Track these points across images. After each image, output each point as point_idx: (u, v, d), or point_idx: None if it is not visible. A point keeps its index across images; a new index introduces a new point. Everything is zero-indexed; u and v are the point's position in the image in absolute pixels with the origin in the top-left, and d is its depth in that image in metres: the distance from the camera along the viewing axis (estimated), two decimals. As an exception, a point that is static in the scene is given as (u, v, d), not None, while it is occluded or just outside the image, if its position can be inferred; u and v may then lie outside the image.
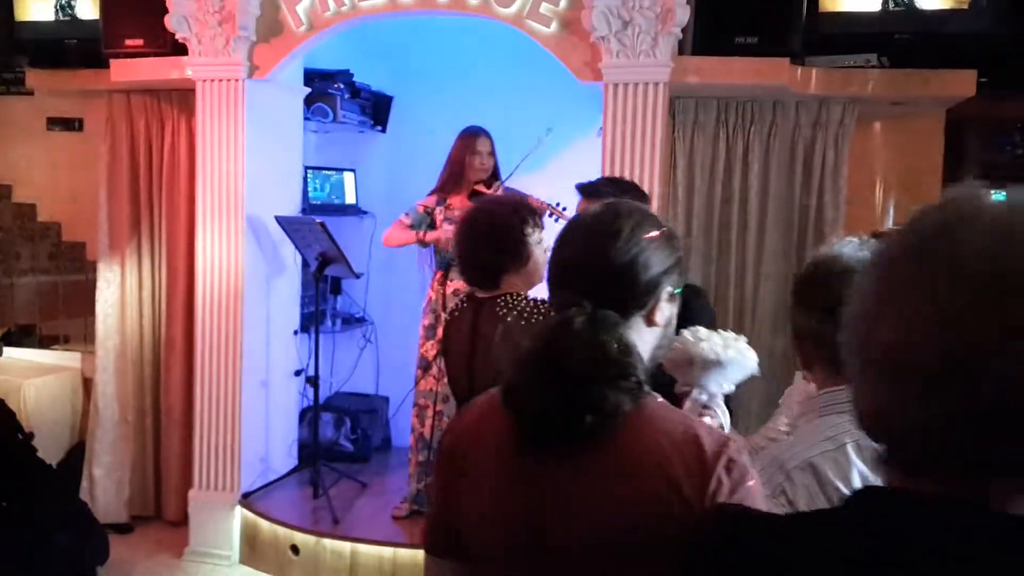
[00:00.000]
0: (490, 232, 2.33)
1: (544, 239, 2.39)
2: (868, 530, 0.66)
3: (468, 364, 2.35)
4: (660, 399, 1.18)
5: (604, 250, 1.20)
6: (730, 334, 1.78)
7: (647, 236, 1.22)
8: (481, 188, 3.99)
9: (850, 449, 1.26)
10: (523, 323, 2.29)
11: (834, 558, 0.67)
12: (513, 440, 1.17)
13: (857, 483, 1.22)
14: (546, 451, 1.14)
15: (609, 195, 2.50)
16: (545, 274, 2.25)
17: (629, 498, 1.10)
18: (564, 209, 3.71)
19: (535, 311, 2.30)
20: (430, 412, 3.81)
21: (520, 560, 1.17)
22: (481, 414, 1.29)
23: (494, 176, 4.05)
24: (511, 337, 2.22)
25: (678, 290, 1.27)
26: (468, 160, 3.99)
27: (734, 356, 1.72)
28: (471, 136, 4.01)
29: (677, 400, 1.76)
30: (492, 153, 4.04)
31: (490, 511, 1.20)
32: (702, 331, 1.77)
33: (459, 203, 4.01)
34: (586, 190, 2.58)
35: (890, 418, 0.66)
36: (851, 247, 1.38)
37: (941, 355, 0.60)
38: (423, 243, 4.02)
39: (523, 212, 2.38)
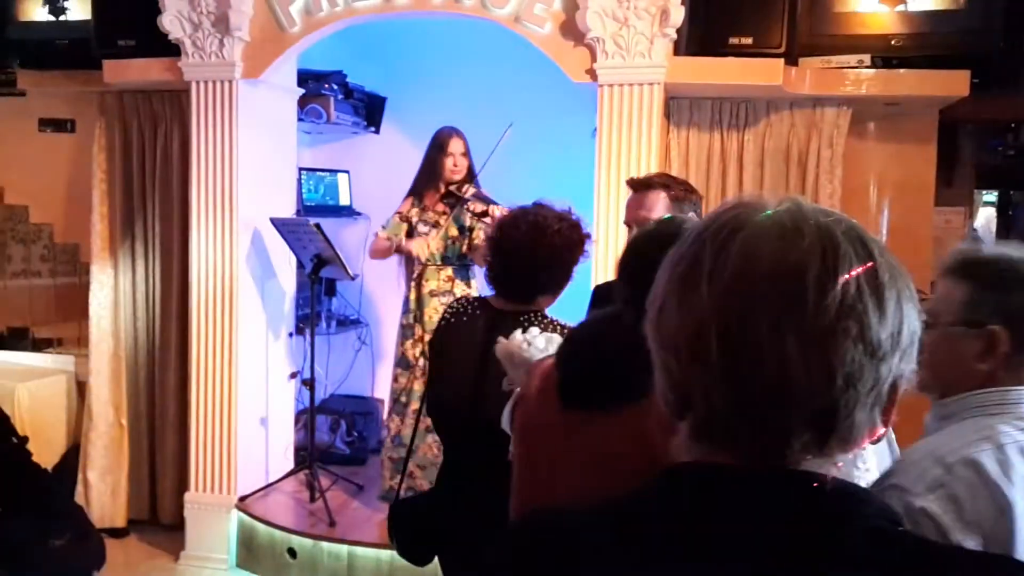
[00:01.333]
0: (552, 251, 2.17)
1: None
2: (681, 505, 0.73)
3: (476, 379, 2.16)
4: None
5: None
6: (556, 335, 1.81)
7: None
8: (454, 189, 4.02)
9: (1011, 451, 1.28)
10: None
11: (648, 539, 0.74)
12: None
13: (1019, 484, 1.24)
14: (574, 407, 1.49)
15: (659, 187, 2.50)
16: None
17: (615, 460, 1.31)
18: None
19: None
20: (410, 411, 3.83)
21: None
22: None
23: (469, 175, 4.06)
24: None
25: None
26: (442, 161, 4.02)
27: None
28: (444, 137, 4.05)
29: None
30: (466, 154, 4.06)
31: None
32: (532, 332, 1.83)
33: (433, 204, 4.05)
34: (635, 184, 2.56)
35: (690, 398, 0.73)
36: None
37: (717, 342, 0.69)
38: (399, 251, 4.07)
39: (580, 238, 2.24)
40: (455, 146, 4.04)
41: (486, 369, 2.10)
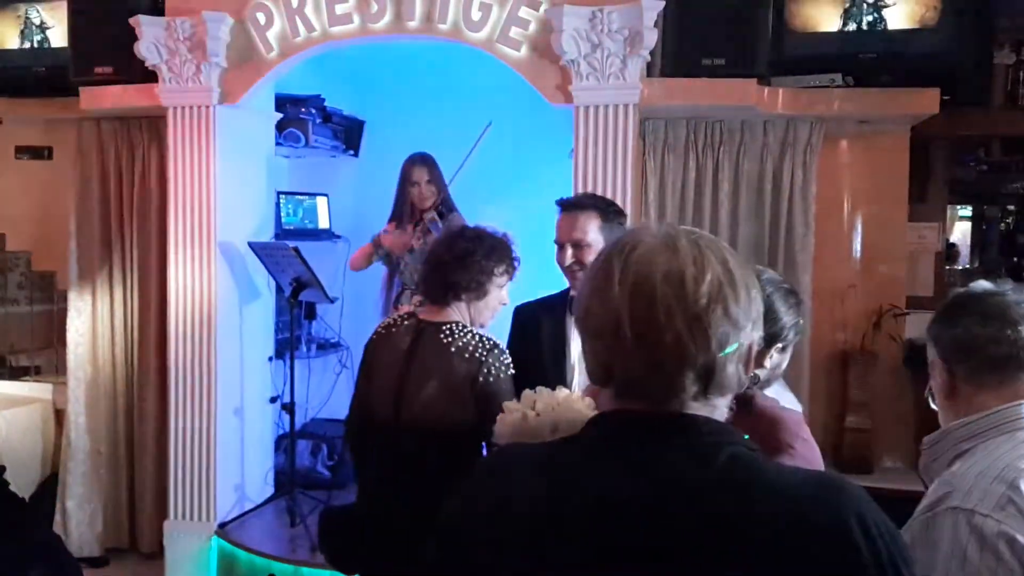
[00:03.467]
0: (463, 255, 2.42)
1: (506, 287, 2.52)
2: (604, 438, 1.01)
3: (398, 385, 2.40)
4: None
5: None
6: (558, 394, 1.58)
7: None
8: (425, 215, 4.06)
9: None
10: (466, 356, 2.35)
11: (571, 461, 1.02)
12: None
13: None
14: None
15: (590, 207, 2.57)
16: (490, 319, 2.44)
17: None
18: None
19: (478, 347, 2.35)
20: None
21: None
22: None
23: (442, 200, 4.08)
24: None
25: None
26: (407, 190, 4.11)
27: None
28: (407, 167, 4.16)
29: None
30: (432, 180, 4.10)
31: None
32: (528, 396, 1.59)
33: (409, 231, 4.11)
34: (566, 204, 2.63)
35: (611, 366, 1.00)
36: None
37: (631, 328, 0.96)
38: (378, 247, 4.15)
39: (503, 254, 2.48)
40: (418, 175, 4.12)
41: (408, 373, 2.39)
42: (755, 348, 1.02)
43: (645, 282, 0.96)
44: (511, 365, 2.38)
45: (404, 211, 4.16)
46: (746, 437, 1.02)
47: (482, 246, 2.45)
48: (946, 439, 1.47)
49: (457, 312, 2.44)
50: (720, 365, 0.97)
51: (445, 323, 2.41)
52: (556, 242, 2.61)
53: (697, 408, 0.99)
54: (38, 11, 4.41)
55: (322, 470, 4.50)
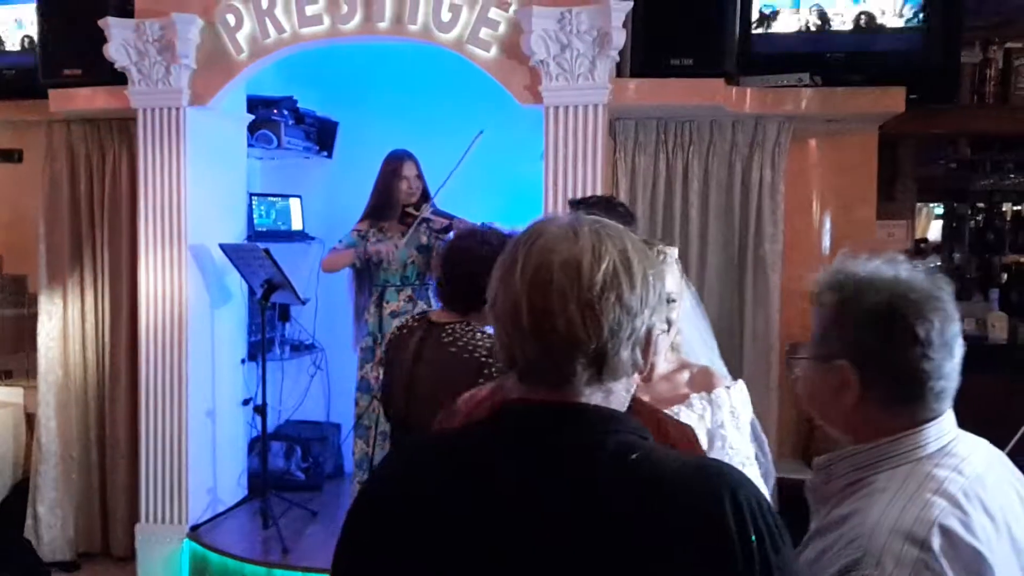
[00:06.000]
0: (487, 264, 2.35)
1: None
2: (504, 430, 1.03)
3: (407, 384, 2.43)
4: None
5: None
6: None
7: None
8: (411, 210, 4.05)
9: (962, 500, 1.20)
10: (465, 356, 2.34)
11: (467, 449, 1.05)
12: None
13: (982, 536, 1.18)
14: None
15: (599, 211, 2.57)
16: None
17: None
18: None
19: (479, 347, 2.35)
20: (372, 433, 3.81)
21: None
22: None
23: (424, 197, 4.08)
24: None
25: None
26: (396, 185, 4.06)
27: None
28: (396, 161, 4.08)
29: None
30: (420, 176, 4.10)
31: None
32: None
33: (392, 227, 4.07)
34: (577, 205, 2.66)
35: (512, 352, 1.03)
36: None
37: (528, 314, 0.99)
38: (365, 257, 4.03)
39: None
40: (408, 169, 4.08)
41: (415, 372, 2.42)
42: (655, 333, 1.04)
43: (543, 269, 0.99)
44: None
45: (387, 206, 4.10)
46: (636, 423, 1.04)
47: (495, 251, 2.42)
48: (841, 464, 1.31)
49: (474, 317, 2.42)
50: (612, 350, 0.99)
51: (449, 323, 2.43)
52: None
53: (590, 393, 1.01)
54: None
55: (296, 472, 4.50)
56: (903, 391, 1.27)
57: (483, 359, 2.34)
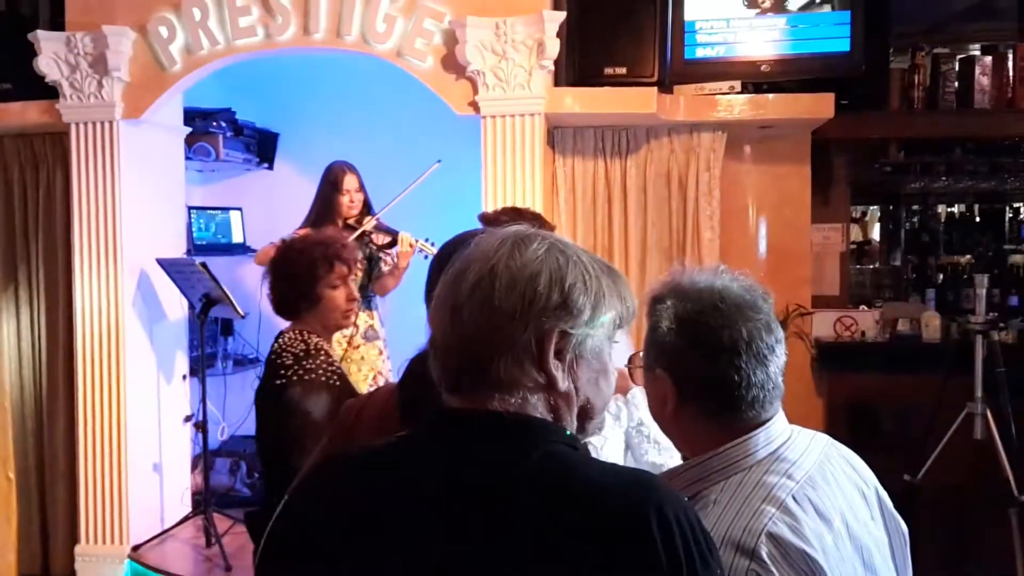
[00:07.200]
0: (285, 267, 2.49)
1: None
2: (428, 440, 1.02)
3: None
4: None
5: None
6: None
7: None
8: (353, 223, 4.01)
9: (791, 504, 1.19)
10: (276, 360, 2.37)
11: (392, 458, 1.03)
12: None
13: (813, 539, 1.17)
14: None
15: (510, 222, 2.56)
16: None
17: None
18: (433, 244, 3.74)
19: (284, 351, 2.37)
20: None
21: None
22: None
23: (366, 209, 4.06)
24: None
25: None
26: (337, 199, 3.99)
27: None
28: (337, 174, 4.02)
29: None
30: (361, 188, 4.05)
31: None
32: None
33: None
34: (487, 219, 2.59)
35: (437, 358, 1.03)
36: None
37: (451, 319, 1.00)
38: None
39: (330, 251, 2.48)
40: (349, 182, 4.02)
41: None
42: (552, 341, 1.00)
43: (462, 280, 1.00)
44: None
45: (327, 219, 4.03)
46: (569, 433, 1.02)
47: (297, 254, 2.51)
48: (677, 480, 1.29)
49: (304, 322, 2.51)
50: (486, 357, 0.99)
51: (283, 332, 2.51)
52: None
53: (510, 401, 1.00)
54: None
55: (241, 488, 4.45)
56: (715, 400, 1.26)
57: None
